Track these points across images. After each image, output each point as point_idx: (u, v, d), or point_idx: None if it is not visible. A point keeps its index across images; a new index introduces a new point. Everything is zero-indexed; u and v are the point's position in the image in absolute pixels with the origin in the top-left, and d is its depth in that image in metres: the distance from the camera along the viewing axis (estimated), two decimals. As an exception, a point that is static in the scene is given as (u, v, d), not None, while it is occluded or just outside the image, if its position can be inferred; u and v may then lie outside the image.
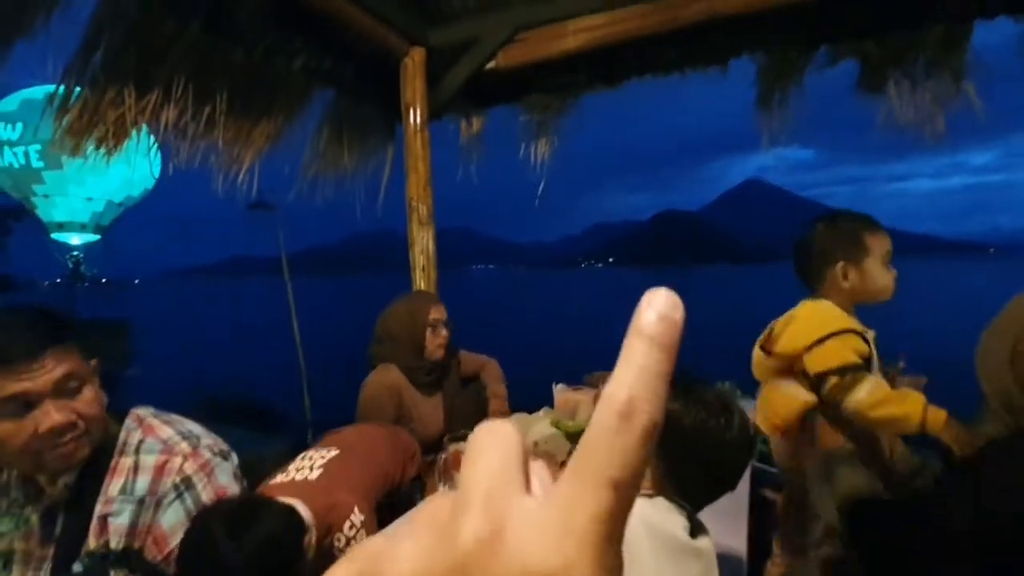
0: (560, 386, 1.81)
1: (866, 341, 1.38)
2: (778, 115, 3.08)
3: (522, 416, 1.82)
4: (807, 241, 1.54)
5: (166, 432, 1.04)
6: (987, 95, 2.77)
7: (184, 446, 1.02)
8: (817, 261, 1.49)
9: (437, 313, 2.11)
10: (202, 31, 2.35)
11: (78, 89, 2.19)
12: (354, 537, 1.20)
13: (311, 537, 1.11)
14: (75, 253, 8.29)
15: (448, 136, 3.66)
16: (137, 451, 1.00)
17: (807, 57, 2.92)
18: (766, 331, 1.55)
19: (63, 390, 0.92)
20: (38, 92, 6.76)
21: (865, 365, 1.35)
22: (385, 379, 2.01)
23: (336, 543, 1.19)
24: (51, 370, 0.90)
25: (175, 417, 1.11)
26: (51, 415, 0.90)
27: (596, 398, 1.72)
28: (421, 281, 2.91)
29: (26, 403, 0.89)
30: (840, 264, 1.44)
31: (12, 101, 6.94)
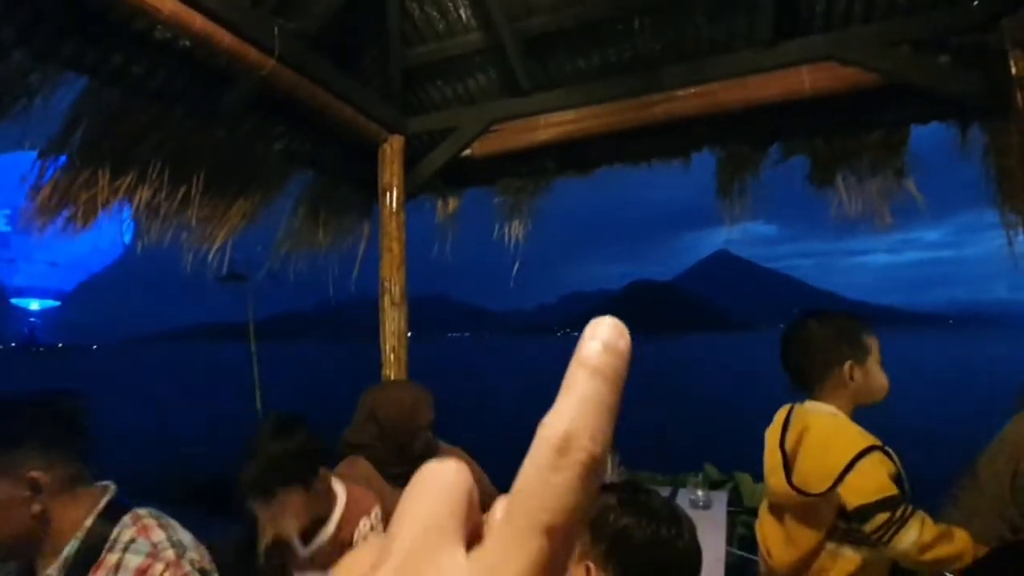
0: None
1: (889, 455, 1.29)
2: (738, 201, 3.26)
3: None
4: (802, 339, 1.47)
5: (158, 536, 1.00)
6: (928, 184, 3.01)
7: (170, 554, 0.97)
8: (820, 360, 1.42)
9: (433, 414, 1.99)
10: (184, 115, 2.41)
11: (51, 169, 2.19)
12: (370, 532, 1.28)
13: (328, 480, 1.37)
14: (33, 319, 7.97)
15: (425, 212, 3.75)
16: (125, 549, 0.97)
17: (762, 152, 3.13)
18: (774, 454, 1.41)
19: None
20: (10, 159, 6.75)
21: (900, 490, 1.26)
22: (353, 470, 1.91)
23: (356, 535, 1.23)
24: None
25: (173, 523, 1.07)
26: None
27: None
28: (392, 359, 2.87)
29: None
30: (848, 363, 1.38)
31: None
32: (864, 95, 2.55)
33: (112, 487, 1.06)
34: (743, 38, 2.59)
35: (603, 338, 0.17)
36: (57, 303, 7.72)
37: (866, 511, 1.23)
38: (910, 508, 1.24)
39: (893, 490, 1.23)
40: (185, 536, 1.07)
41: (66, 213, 2.33)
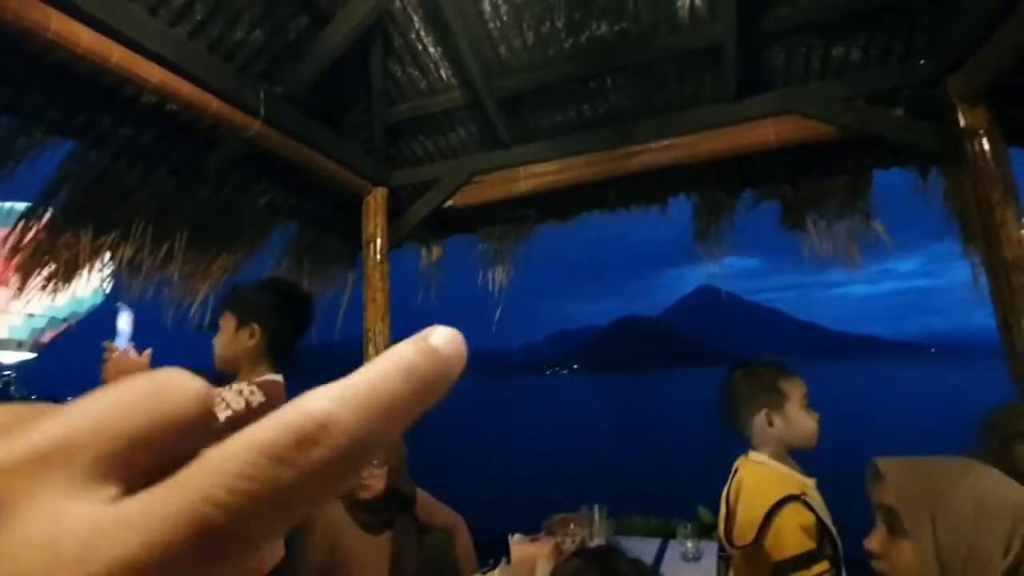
0: (516, 537, 1.74)
1: (807, 504, 1.30)
2: (715, 242, 3.36)
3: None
4: (727, 390, 1.52)
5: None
6: (895, 220, 3.14)
7: None
8: (742, 410, 1.47)
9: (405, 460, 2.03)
10: (169, 175, 2.46)
11: (33, 229, 2.21)
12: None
13: None
14: (7, 372, 7.77)
15: (408, 260, 3.80)
16: None
17: (735, 198, 3.26)
18: (722, 505, 1.43)
19: None
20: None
21: (821, 539, 1.26)
22: (322, 511, 1.87)
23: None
24: None
25: None
26: None
27: (555, 550, 1.66)
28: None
29: None
30: (764, 411, 1.43)
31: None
32: (826, 144, 2.69)
33: None
34: (709, 94, 2.73)
35: (438, 339, 0.14)
36: (34, 355, 7.55)
37: (783, 568, 1.24)
38: (826, 566, 1.24)
39: (808, 545, 1.24)
40: None
41: (47, 271, 2.34)
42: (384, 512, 1.96)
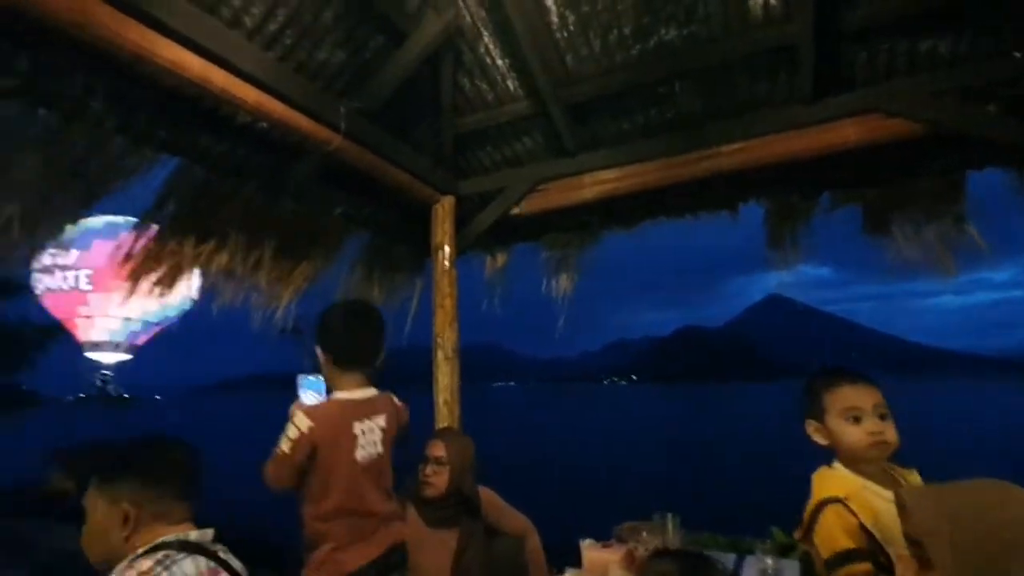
0: (587, 542, 1.73)
1: (848, 507, 1.29)
2: (789, 249, 3.23)
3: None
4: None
5: (146, 564, 1.04)
6: (992, 227, 2.90)
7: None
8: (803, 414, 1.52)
9: (431, 449, 2.10)
10: (258, 188, 2.64)
11: (142, 238, 2.43)
12: None
13: None
14: (105, 372, 8.49)
15: (474, 268, 3.88)
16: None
17: (811, 202, 3.12)
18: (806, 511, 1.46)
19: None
20: (97, 221, 7.39)
21: (864, 546, 1.25)
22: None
23: None
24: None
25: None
26: None
27: (627, 557, 1.64)
28: (445, 411, 2.92)
29: None
30: (809, 423, 1.46)
31: (71, 231, 7.56)
32: (912, 144, 2.54)
33: (187, 533, 1.13)
34: (783, 95, 2.64)
35: None
36: (129, 356, 8.22)
37: (830, 563, 1.26)
38: (867, 567, 1.22)
39: (846, 544, 1.25)
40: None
41: (154, 277, 2.57)
42: (447, 509, 2.02)
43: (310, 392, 1.63)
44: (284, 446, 1.58)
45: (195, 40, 1.74)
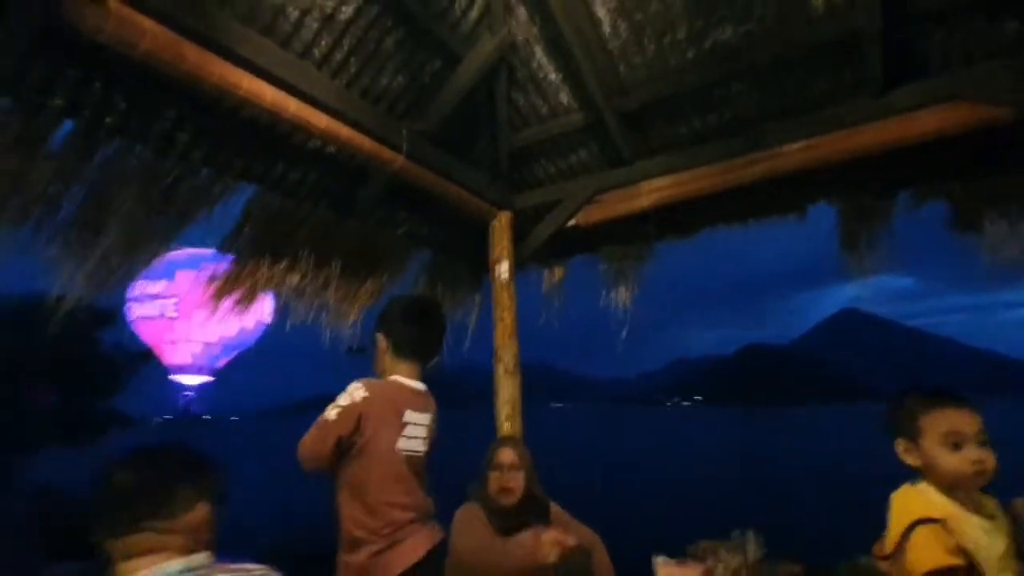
0: (661, 559, 1.66)
1: (948, 529, 1.24)
2: (866, 254, 3.03)
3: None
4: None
5: None
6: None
7: None
8: (888, 434, 1.45)
9: (502, 456, 2.08)
10: (327, 209, 2.78)
11: (224, 263, 2.60)
12: None
13: None
14: (188, 393, 9.07)
15: (531, 282, 3.88)
16: None
17: (889, 200, 2.93)
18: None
19: None
20: (180, 253, 8.00)
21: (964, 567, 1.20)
22: (465, 514, 1.99)
23: None
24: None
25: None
26: None
27: (705, 575, 1.56)
28: (507, 425, 2.91)
29: None
30: (899, 443, 1.39)
31: (158, 263, 8.23)
32: (999, 131, 2.35)
33: (198, 557, 1.04)
34: (850, 89, 2.52)
35: None
36: (211, 379, 8.75)
37: None
38: None
39: (949, 561, 1.20)
40: None
41: (233, 300, 2.73)
42: (520, 516, 2.01)
43: None
44: (331, 413, 1.56)
45: (270, 71, 1.87)
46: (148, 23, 1.53)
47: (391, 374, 1.72)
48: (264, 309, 2.91)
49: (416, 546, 1.61)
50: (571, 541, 1.80)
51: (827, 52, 2.45)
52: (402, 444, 1.66)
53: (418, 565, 1.58)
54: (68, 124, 1.88)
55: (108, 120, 1.91)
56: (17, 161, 1.74)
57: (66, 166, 1.91)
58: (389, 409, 1.65)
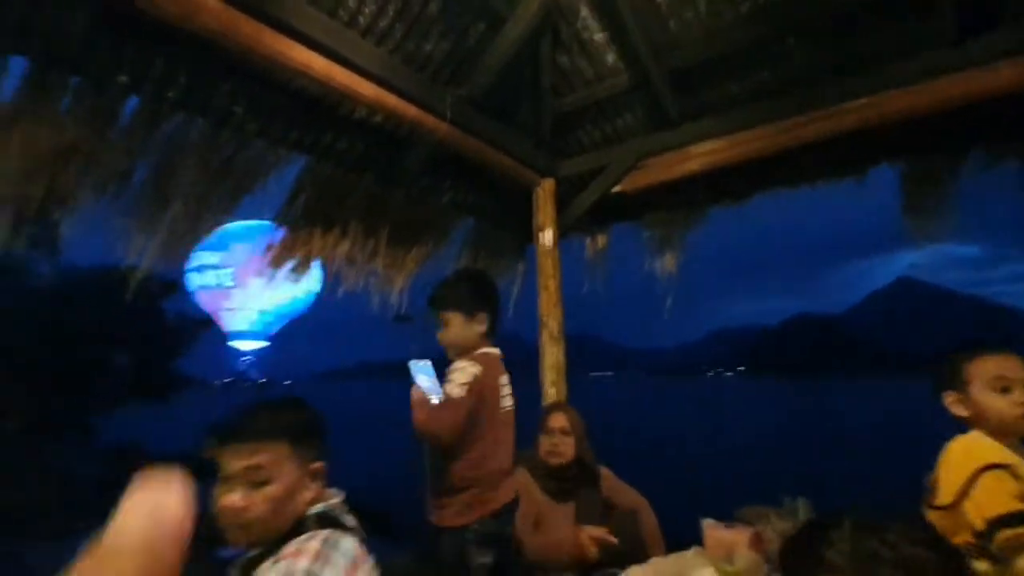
0: (709, 521, 1.67)
1: (1015, 474, 1.26)
2: (930, 219, 2.87)
3: (675, 556, 1.69)
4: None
5: (301, 565, 0.97)
6: None
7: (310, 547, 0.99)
8: (939, 394, 1.49)
9: (554, 421, 2.15)
10: (374, 179, 2.83)
11: (279, 233, 2.71)
12: None
13: None
14: (246, 358, 9.58)
15: (574, 251, 3.86)
16: (275, 562, 0.99)
17: (958, 160, 2.75)
18: (930, 479, 1.42)
19: (248, 480, 1.02)
20: (236, 227, 8.34)
21: None
22: (517, 478, 2.05)
23: None
24: (244, 458, 1.02)
25: (333, 558, 1.03)
26: (223, 497, 1.01)
27: (754, 539, 1.57)
28: (552, 392, 2.96)
29: (223, 479, 1.02)
30: (948, 395, 1.45)
31: (215, 235, 8.61)
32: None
33: (337, 495, 1.13)
34: (917, 42, 2.35)
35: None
36: (266, 344, 9.20)
37: (995, 524, 1.22)
38: None
39: (1013, 506, 1.21)
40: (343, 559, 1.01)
41: (285, 270, 2.85)
42: (569, 481, 2.06)
43: (423, 376, 1.73)
44: (458, 391, 1.69)
45: (319, 41, 1.90)
46: (206, -2, 1.57)
47: (480, 347, 1.84)
48: (314, 277, 3.02)
49: (508, 490, 1.80)
50: (611, 540, 1.95)
51: (894, 2, 2.28)
52: (503, 403, 1.83)
53: (509, 505, 1.78)
54: (134, 100, 1.97)
55: (170, 95, 1.99)
56: (91, 137, 1.85)
57: (134, 141, 2.01)
58: (493, 378, 1.80)
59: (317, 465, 1.10)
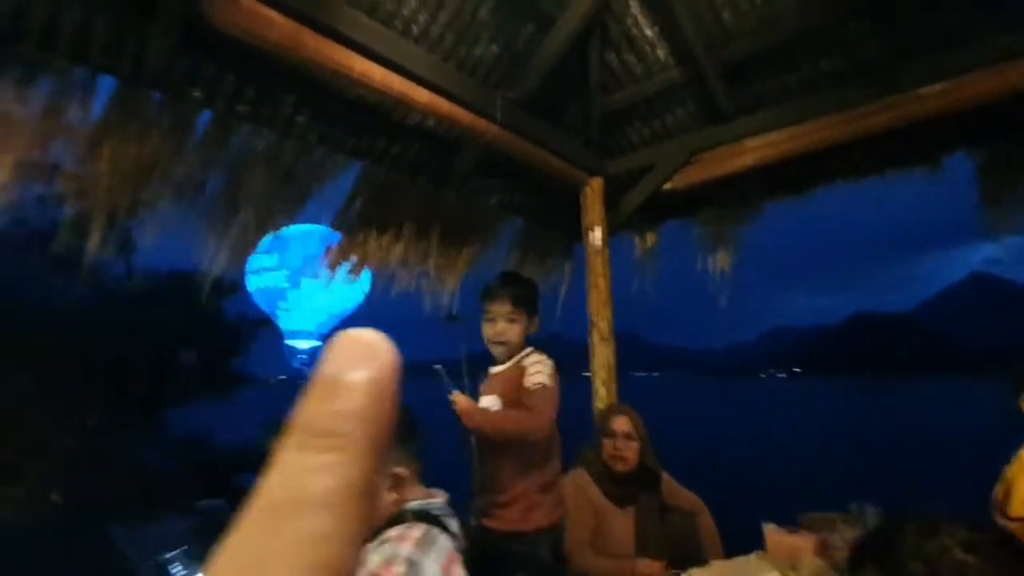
0: (771, 526, 1.63)
1: None
2: (1010, 210, 2.68)
3: (737, 560, 1.66)
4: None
5: (404, 549, 1.02)
6: None
7: (399, 571, 0.99)
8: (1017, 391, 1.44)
9: (617, 424, 2.12)
10: (426, 182, 2.90)
11: (337, 234, 2.81)
12: None
13: None
14: (302, 356, 9.99)
15: (622, 249, 3.82)
16: (376, 547, 1.04)
17: (1041, 147, 2.56)
18: (999, 485, 1.39)
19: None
20: (292, 230, 8.70)
21: None
22: (575, 479, 2.06)
23: None
24: None
25: (437, 549, 1.08)
26: None
27: (820, 546, 1.52)
28: (603, 391, 2.95)
29: None
30: (1021, 398, 1.43)
31: (272, 238, 9.01)
32: None
33: (438, 495, 1.18)
34: (995, 22, 2.19)
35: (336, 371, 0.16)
36: (319, 343, 9.58)
37: None
38: None
39: None
40: (431, 567, 1.04)
41: (339, 272, 2.95)
42: (631, 486, 2.04)
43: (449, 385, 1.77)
44: (551, 382, 1.75)
45: (377, 51, 1.96)
46: (274, 15, 1.65)
47: (524, 348, 1.91)
48: (364, 278, 3.12)
49: None
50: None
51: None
52: None
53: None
54: (207, 113, 2.10)
55: (240, 107, 2.11)
56: (170, 149, 1.98)
57: (207, 152, 2.14)
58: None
59: (398, 470, 1.13)
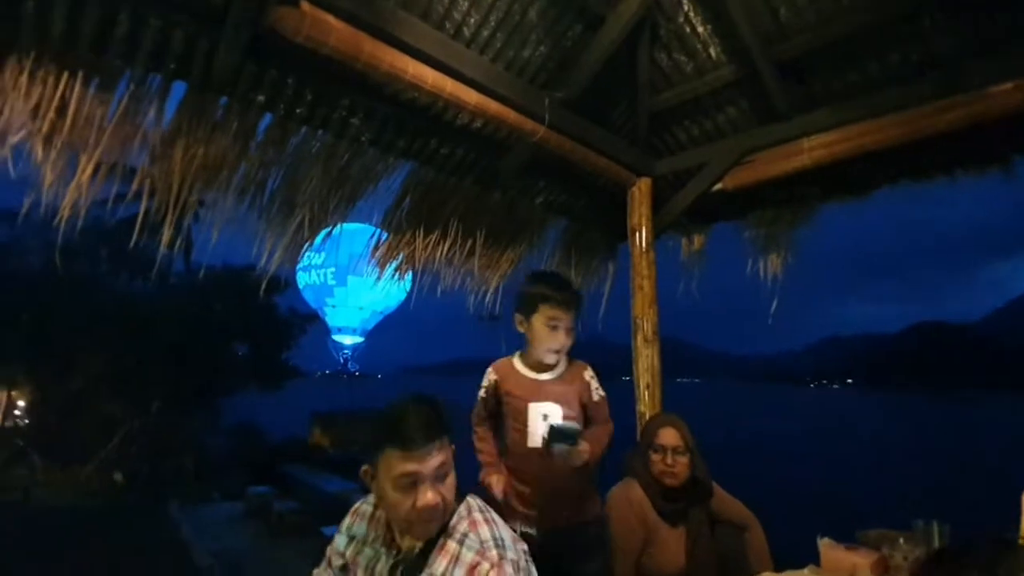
0: (827, 541, 1.57)
1: None
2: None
3: (789, 574, 1.61)
4: None
5: (485, 533, 1.14)
6: None
7: (494, 554, 1.10)
8: None
9: (665, 437, 1.99)
10: (473, 182, 2.94)
11: (385, 235, 2.89)
12: None
13: None
14: (346, 351, 10.27)
15: (668, 251, 3.76)
16: (461, 542, 1.13)
17: None
18: None
19: (438, 475, 1.12)
20: (338, 229, 8.96)
21: None
22: (627, 492, 2.00)
23: None
24: (435, 457, 1.11)
25: (495, 518, 1.21)
26: (427, 496, 1.09)
27: (878, 564, 1.46)
28: (646, 396, 2.91)
29: (413, 481, 1.10)
30: None
31: (322, 236, 9.31)
32: None
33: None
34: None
35: None
36: (362, 339, 9.82)
37: None
38: None
39: None
40: (506, 533, 1.18)
41: (386, 270, 3.02)
42: (682, 501, 1.97)
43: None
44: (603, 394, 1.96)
45: (429, 54, 2.00)
46: (334, 21, 1.72)
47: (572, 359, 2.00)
48: (407, 277, 3.17)
49: None
50: None
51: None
52: None
53: None
54: (267, 117, 2.20)
55: (298, 111, 2.20)
56: (234, 151, 2.08)
57: (267, 154, 2.24)
58: None
59: (454, 449, 1.22)
